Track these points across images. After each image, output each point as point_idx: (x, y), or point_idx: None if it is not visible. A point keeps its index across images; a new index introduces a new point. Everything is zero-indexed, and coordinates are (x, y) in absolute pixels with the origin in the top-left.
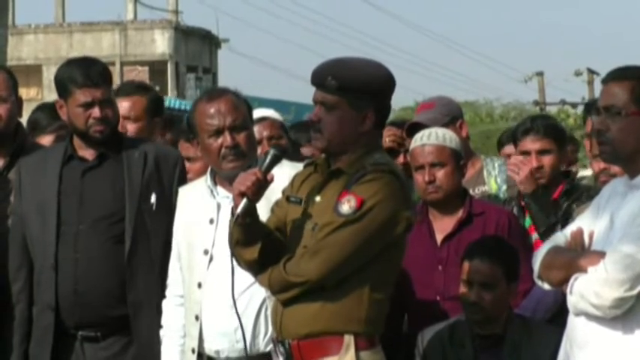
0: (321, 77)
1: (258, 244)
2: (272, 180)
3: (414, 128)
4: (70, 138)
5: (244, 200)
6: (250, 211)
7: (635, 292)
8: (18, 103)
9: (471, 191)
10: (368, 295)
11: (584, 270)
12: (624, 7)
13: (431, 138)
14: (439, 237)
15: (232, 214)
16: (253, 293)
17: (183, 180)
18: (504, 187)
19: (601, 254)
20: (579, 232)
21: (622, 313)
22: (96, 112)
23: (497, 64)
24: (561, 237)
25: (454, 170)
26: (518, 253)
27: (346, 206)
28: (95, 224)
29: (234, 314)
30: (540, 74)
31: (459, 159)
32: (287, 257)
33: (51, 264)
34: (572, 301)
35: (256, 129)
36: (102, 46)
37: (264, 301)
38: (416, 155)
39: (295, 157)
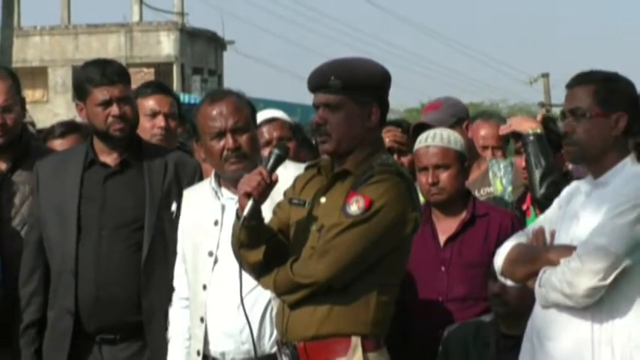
0: (323, 79)
1: (263, 246)
2: (277, 180)
3: (421, 128)
4: (90, 142)
5: (250, 201)
6: (256, 213)
7: (607, 282)
8: (21, 103)
9: (476, 192)
10: (375, 296)
11: (554, 263)
12: (628, 9)
13: (435, 139)
14: (442, 238)
15: (237, 216)
16: (259, 294)
17: None
18: (510, 189)
19: (571, 248)
20: (541, 231)
21: (591, 305)
22: (114, 109)
23: (502, 65)
24: (523, 235)
25: (458, 172)
26: None
27: (355, 207)
28: (116, 231)
29: (240, 316)
30: (546, 76)
31: (463, 161)
32: (293, 258)
33: (71, 269)
34: (542, 293)
35: (266, 129)
36: (108, 47)
37: (269, 302)
38: (420, 156)
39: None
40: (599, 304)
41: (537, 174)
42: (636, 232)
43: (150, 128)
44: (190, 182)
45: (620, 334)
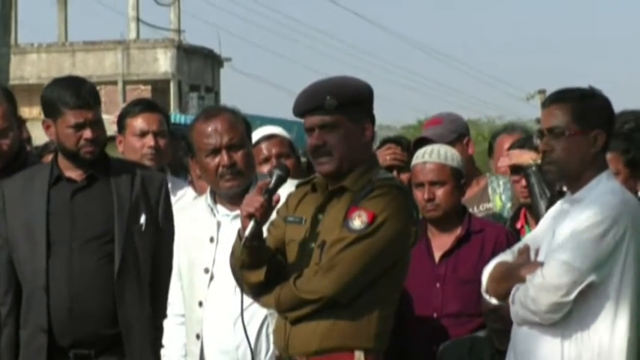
0: (318, 100)
1: (264, 267)
2: (278, 201)
3: (421, 143)
4: (54, 158)
5: (252, 222)
6: (258, 234)
7: (570, 297)
8: (18, 124)
9: (475, 209)
10: (378, 310)
11: (523, 279)
12: (624, 27)
13: (432, 156)
14: (437, 254)
15: (239, 237)
16: (255, 311)
17: (167, 202)
18: (509, 205)
19: (539, 263)
20: (525, 249)
21: (561, 320)
22: (87, 133)
23: (499, 82)
24: (509, 253)
25: (454, 189)
26: None
27: (358, 221)
28: (87, 244)
29: (236, 332)
30: (542, 92)
31: (459, 177)
32: (295, 275)
33: (42, 285)
34: (514, 310)
35: (265, 146)
36: (104, 65)
37: (265, 318)
38: (416, 172)
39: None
40: (567, 320)
41: (543, 204)
42: (602, 248)
43: (140, 148)
44: (157, 195)
45: (588, 350)
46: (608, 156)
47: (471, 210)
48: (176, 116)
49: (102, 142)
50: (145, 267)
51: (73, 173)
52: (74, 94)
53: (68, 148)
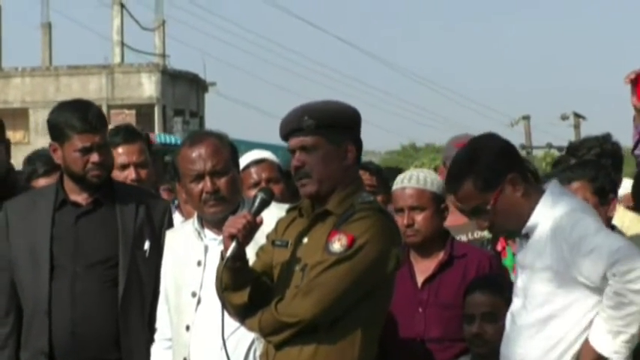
0: (296, 122)
1: (247, 288)
2: (261, 223)
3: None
4: (60, 182)
5: (234, 243)
6: (240, 255)
7: None
8: (6, 145)
9: (469, 236)
10: (361, 334)
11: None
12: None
13: (412, 181)
14: (420, 279)
15: (222, 257)
16: (242, 335)
17: (170, 227)
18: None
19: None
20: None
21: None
22: (95, 157)
23: (484, 108)
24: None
25: (434, 214)
26: None
27: (337, 245)
28: (91, 269)
29: (223, 356)
30: (527, 118)
31: (439, 202)
32: (277, 299)
33: (44, 309)
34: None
35: (254, 170)
36: (89, 89)
37: (252, 342)
38: (396, 198)
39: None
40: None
41: None
42: (601, 226)
43: (122, 179)
44: (161, 221)
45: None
46: (576, 185)
47: (462, 237)
48: (159, 136)
49: (109, 165)
50: (149, 293)
51: (79, 197)
52: (81, 118)
53: (75, 171)
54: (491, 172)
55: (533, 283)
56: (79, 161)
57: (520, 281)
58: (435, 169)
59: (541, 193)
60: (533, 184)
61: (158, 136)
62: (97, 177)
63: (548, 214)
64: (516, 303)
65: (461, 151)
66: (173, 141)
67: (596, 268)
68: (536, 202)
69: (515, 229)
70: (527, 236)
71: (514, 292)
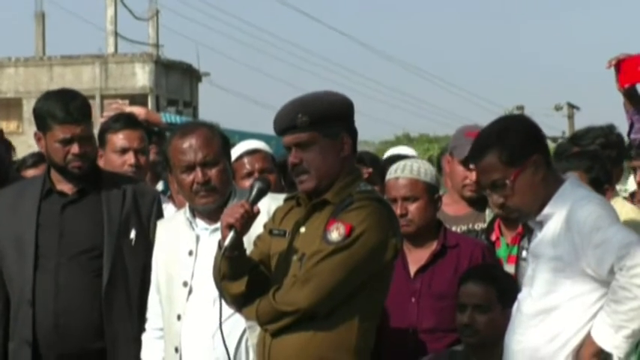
0: (290, 119)
1: (245, 278)
2: (258, 213)
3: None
4: (47, 171)
5: (232, 233)
6: (238, 244)
7: None
8: (6, 146)
9: (469, 225)
10: (358, 323)
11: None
12: (603, 41)
13: (405, 171)
14: (412, 269)
15: (220, 247)
16: (234, 323)
17: (160, 216)
18: None
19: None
20: None
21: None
22: (75, 148)
23: (478, 98)
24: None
25: (427, 204)
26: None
27: (335, 234)
28: (75, 258)
29: (214, 345)
30: (521, 108)
31: (433, 192)
32: (275, 288)
33: (28, 299)
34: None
35: (247, 161)
36: (82, 79)
37: (244, 331)
38: (389, 188)
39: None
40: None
41: None
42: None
43: (120, 165)
44: (149, 210)
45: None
46: (571, 175)
47: (462, 227)
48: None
49: (91, 157)
50: (134, 282)
51: (64, 187)
52: (63, 109)
53: (56, 162)
54: (517, 149)
55: (540, 272)
56: (59, 152)
57: (530, 270)
58: (429, 160)
59: (560, 182)
60: (554, 172)
61: (164, 115)
62: (77, 168)
63: (564, 205)
64: (524, 291)
65: (490, 124)
66: (179, 120)
67: (604, 261)
68: (554, 190)
69: (527, 212)
70: (540, 224)
71: (523, 281)
